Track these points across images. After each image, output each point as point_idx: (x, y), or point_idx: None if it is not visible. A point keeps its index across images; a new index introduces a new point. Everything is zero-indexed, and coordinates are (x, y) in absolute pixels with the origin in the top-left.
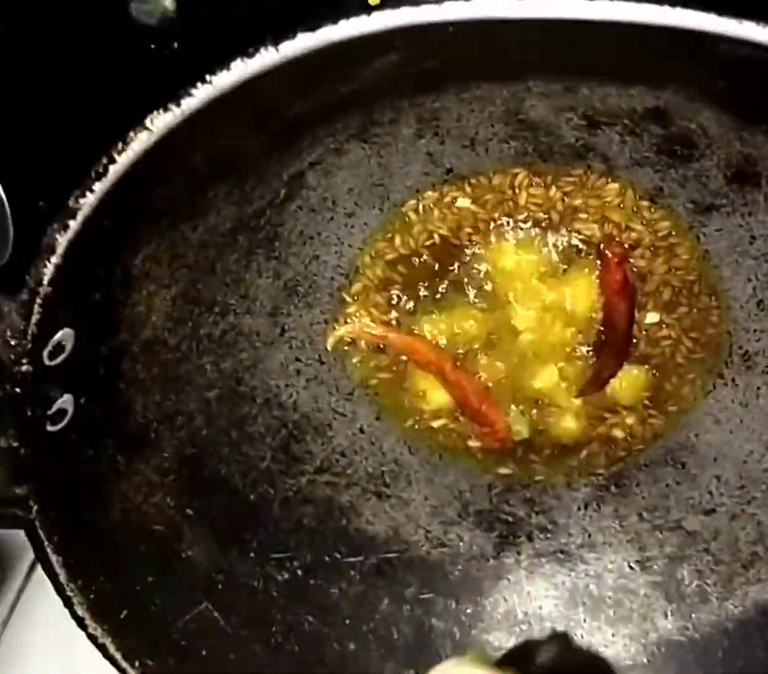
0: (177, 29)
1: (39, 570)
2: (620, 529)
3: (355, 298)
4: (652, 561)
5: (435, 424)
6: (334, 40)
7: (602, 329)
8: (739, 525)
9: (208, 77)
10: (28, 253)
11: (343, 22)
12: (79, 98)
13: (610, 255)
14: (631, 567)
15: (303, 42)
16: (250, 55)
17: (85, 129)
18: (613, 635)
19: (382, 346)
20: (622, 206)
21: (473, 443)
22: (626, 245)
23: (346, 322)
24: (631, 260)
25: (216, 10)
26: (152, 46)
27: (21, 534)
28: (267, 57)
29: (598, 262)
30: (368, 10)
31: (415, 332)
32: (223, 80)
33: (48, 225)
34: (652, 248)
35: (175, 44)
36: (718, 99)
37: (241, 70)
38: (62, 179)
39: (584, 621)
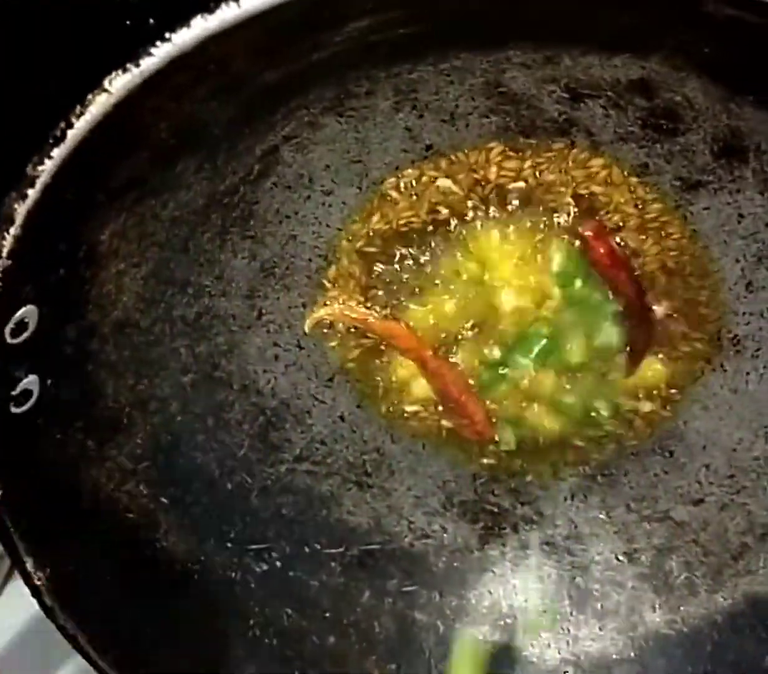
0: None
1: None
2: (607, 520)
3: (334, 282)
4: (639, 553)
5: (416, 413)
6: None
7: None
8: (729, 515)
9: (167, 35)
10: None
11: None
12: (33, 56)
13: (585, 231)
14: (618, 559)
15: None
16: (211, 11)
17: (41, 91)
18: (600, 628)
19: (361, 330)
20: (608, 181)
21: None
22: (609, 226)
23: (325, 305)
24: (618, 239)
25: None
26: None
27: None
28: (228, 12)
29: (578, 242)
30: None
31: (396, 317)
32: (183, 38)
33: (5, 194)
34: (640, 229)
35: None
36: (704, 68)
37: (202, 26)
38: (20, 146)
39: (571, 614)
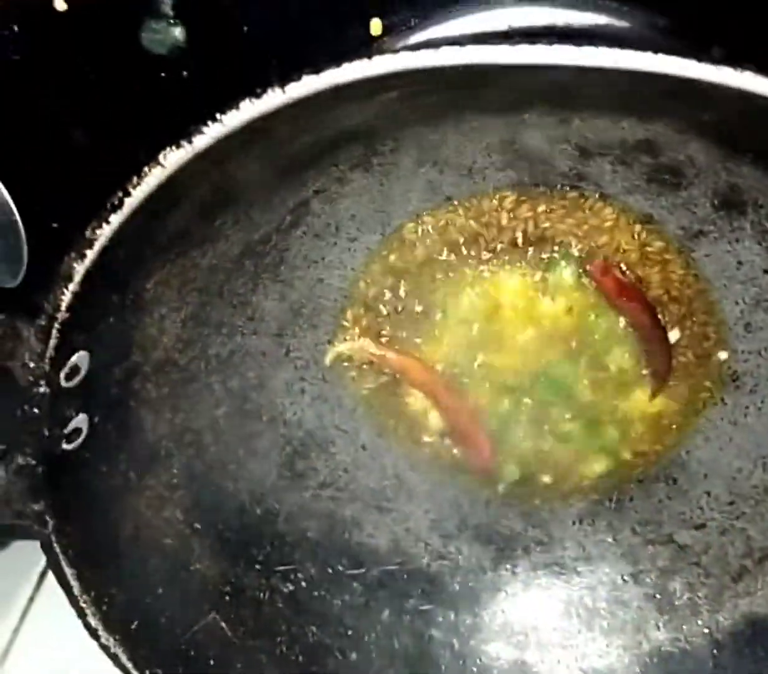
0: (187, 59)
1: (50, 579)
2: (614, 543)
3: (354, 320)
4: (644, 574)
5: (432, 442)
6: (339, 82)
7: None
8: (729, 539)
9: (218, 116)
10: (45, 279)
11: (346, 66)
12: (93, 127)
13: (591, 268)
14: (624, 580)
15: (309, 84)
16: (258, 96)
17: (97, 158)
18: (606, 645)
19: (379, 365)
20: (616, 228)
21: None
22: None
23: (344, 340)
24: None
25: (226, 40)
26: (162, 74)
27: (31, 544)
28: (274, 98)
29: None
30: (372, 49)
31: (412, 353)
32: (232, 119)
33: (66, 254)
34: (642, 261)
35: (185, 73)
36: (705, 132)
37: (249, 110)
38: (77, 205)
39: (579, 632)
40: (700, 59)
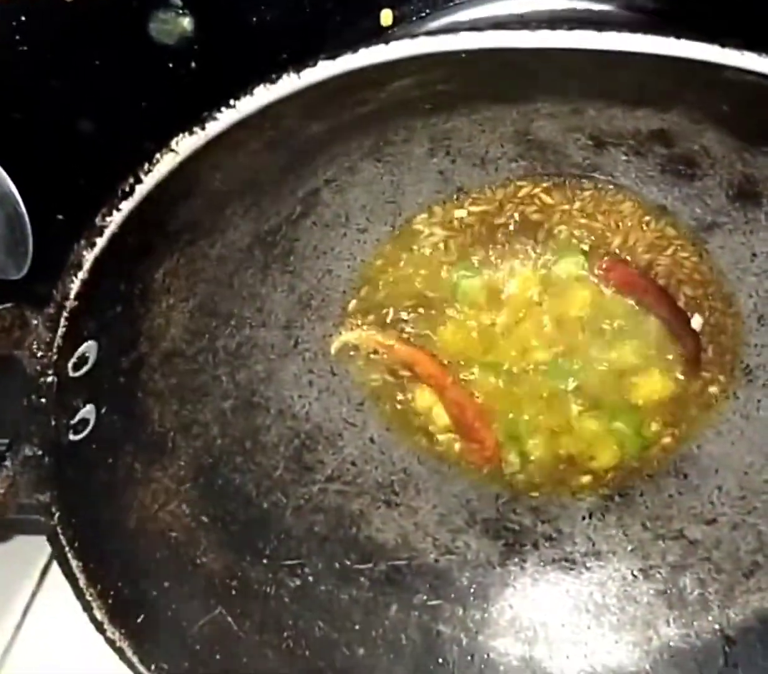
0: (196, 49)
1: (52, 574)
2: (624, 538)
3: (363, 311)
4: (654, 570)
5: (439, 437)
6: (354, 67)
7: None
8: (740, 534)
9: (232, 102)
10: (53, 267)
11: (362, 51)
12: (103, 116)
13: (600, 263)
14: (634, 575)
15: (324, 69)
16: (273, 82)
17: (107, 147)
18: (616, 641)
19: (386, 356)
20: (629, 218)
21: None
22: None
23: (351, 329)
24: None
25: (234, 30)
26: (170, 65)
27: (35, 538)
28: (289, 83)
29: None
30: (385, 37)
31: (419, 345)
32: (246, 105)
33: (73, 241)
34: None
35: (194, 64)
36: (721, 121)
37: (264, 95)
38: (84, 196)
39: (588, 627)
40: (723, 45)
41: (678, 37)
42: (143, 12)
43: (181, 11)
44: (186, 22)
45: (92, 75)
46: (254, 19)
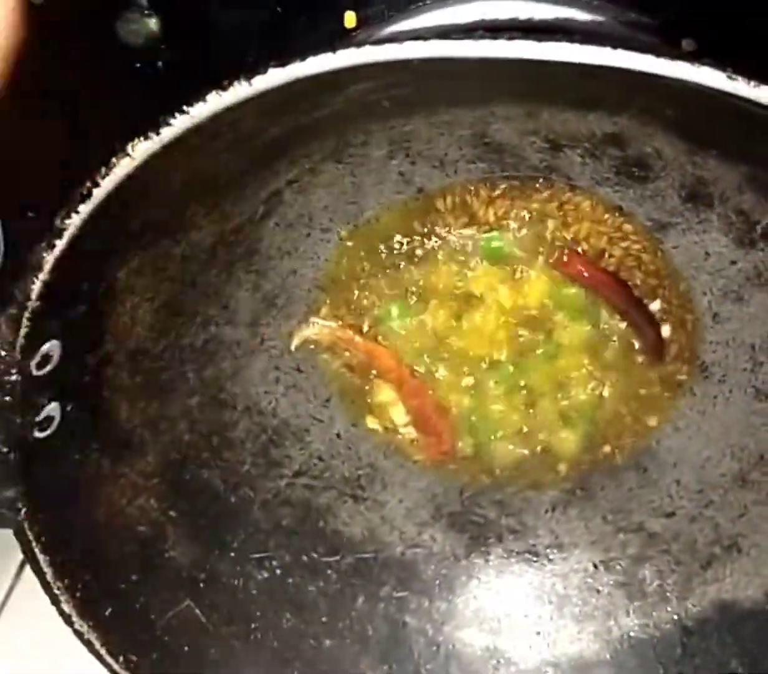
0: (162, 50)
1: (28, 570)
2: (585, 531)
3: (324, 305)
4: (615, 562)
5: (402, 432)
6: (304, 74)
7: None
8: (698, 527)
9: (185, 108)
10: (15, 268)
11: (310, 59)
12: (68, 114)
13: (557, 257)
14: (595, 567)
15: (274, 76)
16: (225, 88)
17: (68, 145)
18: (578, 632)
19: (346, 352)
20: (586, 219)
21: (418, 457)
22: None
23: (311, 325)
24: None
25: (200, 31)
26: (137, 65)
27: (10, 533)
28: (241, 90)
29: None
30: (334, 48)
31: (379, 340)
32: (200, 110)
33: (36, 243)
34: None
35: (160, 65)
36: (670, 125)
37: (216, 102)
38: (49, 194)
39: (551, 618)
40: (658, 55)
41: (614, 47)
42: (111, 13)
43: (146, 11)
44: (152, 23)
45: (61, 76)
46: (219, 20)
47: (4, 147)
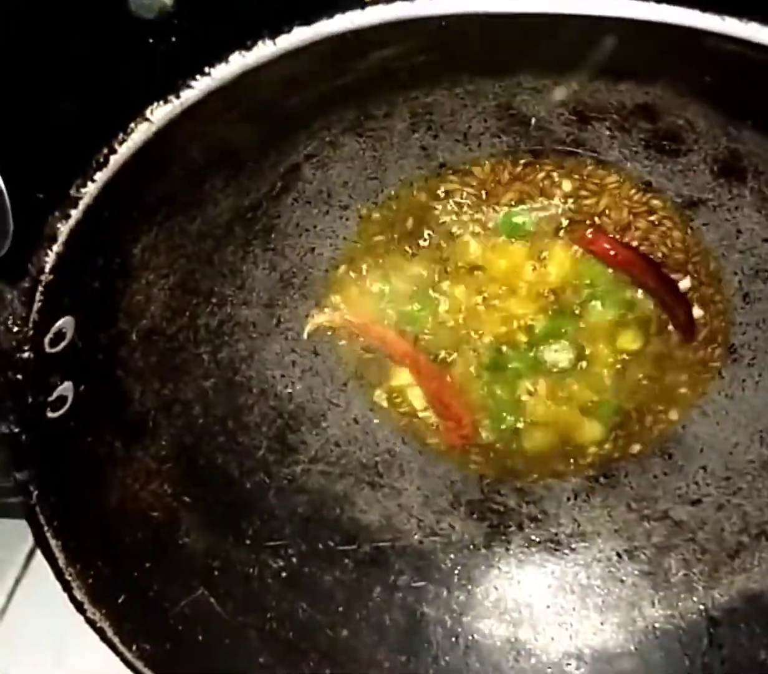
0: (175, 24)
1: (36, 561)
2: (609, 519)
3: (339, 291)
4: (639, 550)
5: (420, 417)
6: (329, 32)
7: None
8: (725, 515)
9: (207, 69)
10: (28, 241)
11: (338, 16)
12: (78, 90)
13: (585, 236)
14: (619, 556)
15: (299, 35)
16: (248, 48)
17: (81, 121)
18: (601, 623)
19: (360, 337)
20: (613, 195)
21: (432, 440)
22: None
23: (325, 311)
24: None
25: (214, 4)
26: (150, 40)
27: (19, 524)
28: (264, 50)
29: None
30: (363, 4)
31: (392, 325)
32: (221, 72)
33: (49, 214)
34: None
35: (174, 39)
36: (705, 94)
37: (239, 62)
38: (60, 169)
39: (573, 609)
40: (704, 10)
41: (658, 1)
42: None
43: None
44: None
45: (72, 51)
46: None
47: (14, 121)
